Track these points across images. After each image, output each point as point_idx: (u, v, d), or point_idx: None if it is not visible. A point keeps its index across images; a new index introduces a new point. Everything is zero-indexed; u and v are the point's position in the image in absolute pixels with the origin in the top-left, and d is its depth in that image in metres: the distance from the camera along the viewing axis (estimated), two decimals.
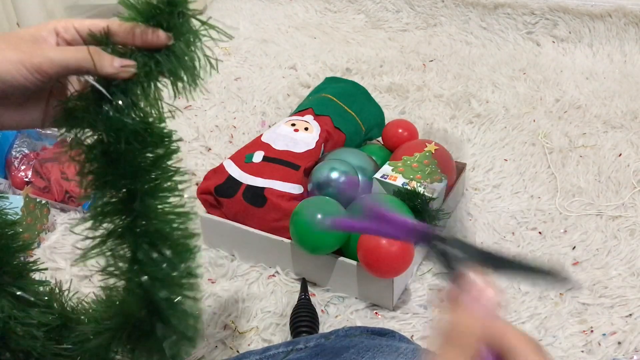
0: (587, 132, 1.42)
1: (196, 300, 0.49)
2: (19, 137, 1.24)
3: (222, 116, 1.53)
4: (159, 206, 0.47)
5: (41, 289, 0.55)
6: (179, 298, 0.48)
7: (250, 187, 1.03)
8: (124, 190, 0.46)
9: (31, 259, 0.56)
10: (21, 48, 0.42)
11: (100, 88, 0.43)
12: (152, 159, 0.46)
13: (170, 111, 0.47)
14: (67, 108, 0.44)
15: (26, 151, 1.23)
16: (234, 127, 1.49)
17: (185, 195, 0.48)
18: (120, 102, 0.44)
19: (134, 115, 0.44)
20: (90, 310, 0.56)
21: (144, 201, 0.46)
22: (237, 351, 0.89)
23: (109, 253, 0.48)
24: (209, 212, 1.08)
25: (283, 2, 2.20)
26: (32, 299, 0.53)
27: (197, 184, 1.26)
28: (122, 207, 0.47)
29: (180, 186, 0.48)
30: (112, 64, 0.43)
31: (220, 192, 1.05)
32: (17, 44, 0.42)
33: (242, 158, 1.09)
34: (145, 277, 0.46)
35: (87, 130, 0.45)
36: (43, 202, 1.14)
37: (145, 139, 0.45)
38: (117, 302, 0.50)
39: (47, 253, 1.08)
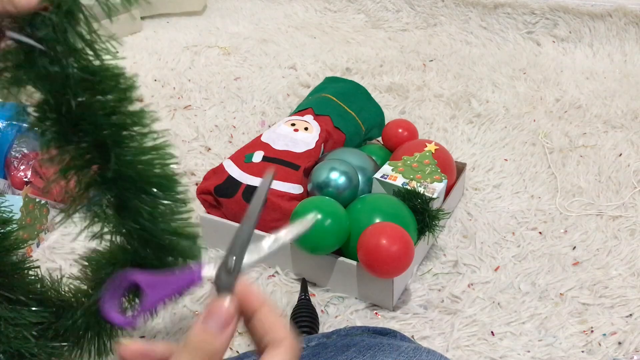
0: (587, 132, 1.41)
1: (192, 224, 0.48)
2: (18, 137, 1.24)
3: (222, 116, 1.53)
4: (132, 150, 0.44)
5: (38, 286, 0.55)
6: (178, 225, 0.47)
7: (250, 187, 1.03)
8: (88, 142, 0.42)
9: (20, 258, 0.55)
10: None
11: (23, 38, 0.37)
12: (111, 106, 0.42)
13: (111, 42, 0.40)
14: None
15: (26, 151, 1.23)
16: (234, 127, 1.49)
17: (158, 134, 0.44)
18: (55, 49, 0.37)
19: (74, 62, 0.38)
20: (81, 278, 0.55)
21: (114, 149, 0.43)
22: (237, 351, 0.89)
23: (93, 205, 0.45)
24: (208, 212, 1.08)
25: (283, 1, 2.20)
26: (24, 298, 0.52)
27: (196, 184, 1.26)
28: (91, 157, 0.43)
29: (149, 123, 0.44)
30: None
31: (220, 192, 1.05)
32: None
33: (241, 158, 1.08)
34: (141, 218, 0.44)
35: (28, 89, 0.40)
36: (42, 202, 1.13)
37: (94, 86, 0.40)
38: (108, 253, 0.49)
39: (46, 253, 1.08)
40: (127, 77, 0.42)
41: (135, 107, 0.44)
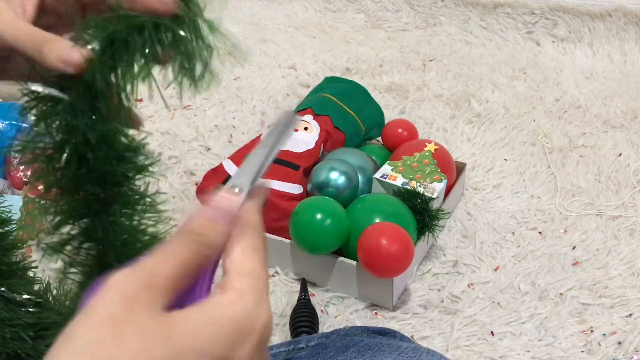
0: (587, 132, 1.41)
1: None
2: (18, 137, 1.24)
3: (222, 116, 1.52)
4: (126, 223, 0.40)
5: (35, 287, 0.55)
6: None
7: None
8: (85, 195, 0.39)
9: (19, 258, 0.55)
10: None
11: (42, 88, 0.35)
12: (120, 172, 0.39)
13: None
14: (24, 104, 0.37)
15: None
16: (234, 127, 1.49)
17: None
18: (77, 104, 0.35)
19: (94, 118, 0.36)
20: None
21: (109, 215, 0.40)
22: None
23: (75, 250, 0.42)
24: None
25: (282, 1, 2.20)
26: (20, 298, 0.52)
27: (196, 184, 1.26)
28: (84, 212, 0.40)
29: (155, 213, 0.40)
30: (59, 56, 0.34)
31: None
32: None
33: (241, 158, 1.08)
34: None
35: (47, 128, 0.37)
36: (42, 202, 1.13)
37: (111, 147, 0.38)
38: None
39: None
40: (144, 154, 0.40)
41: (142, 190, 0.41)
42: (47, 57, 0.34)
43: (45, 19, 0.38)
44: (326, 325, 0.93)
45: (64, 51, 0.34)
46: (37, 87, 0.35)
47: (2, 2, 0.36)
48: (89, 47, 0.34)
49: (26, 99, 0.37)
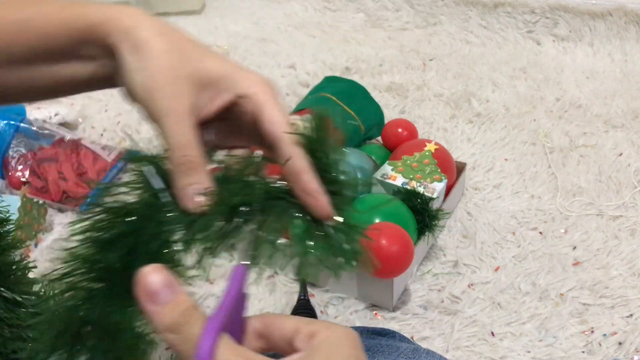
0: (587, 132, 1.41)
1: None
2: (16, 137, 1.23)
3: None
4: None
5: (33, 288, 0.55)
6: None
7: None
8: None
9: (17, 258, 0.55)
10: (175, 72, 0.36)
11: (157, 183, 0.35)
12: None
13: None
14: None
15: (23, 151, 1.22)
16: None
17: None
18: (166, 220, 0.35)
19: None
20: None
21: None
22: None
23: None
24: None
25: (282, 0, 2.19)
26: (19, 298, 0.52)
27: None
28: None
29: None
30: (187, 187, 0.35)
31: None
32: (182, 59, 0.36)
33: None
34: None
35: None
36: (40, 202, 1.13)
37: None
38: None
39: (44, 254, 1.08)
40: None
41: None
42: (178, 178, 0.36)
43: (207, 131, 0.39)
44: None
45: (194, 189, 0.36)
46: (149, 173, 0.35)
47: (186, 95, 0.36)
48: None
49: (133, 168, 0.37)
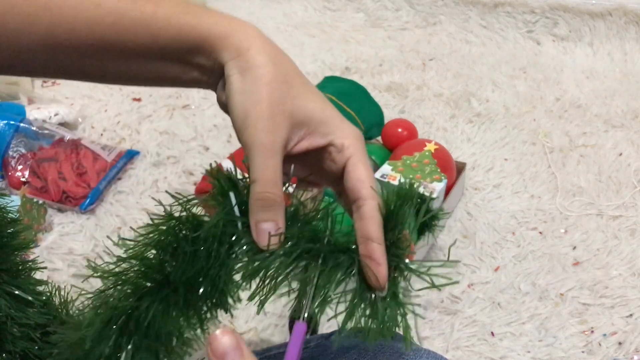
0: (587, 132, 1.41)
1: None
2: (16, 137, 1.23)
3: (221, 116, 1.52)
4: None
5: (40, 288, 0.55)
6: None
7: None
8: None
9: (29, 259, 0.55)
10: (279, 105, 0.37)
11: (235, 214, 0.36)
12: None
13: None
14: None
15: (23, 151, 1.22)
16: None
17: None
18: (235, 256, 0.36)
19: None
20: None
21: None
22: None
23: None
24: (207, 212, 1.07)
25: (282, 0, 2.19)
26: (30, 298, 0.52)
27: (195, 184, 1.25)
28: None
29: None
30: (258, 222, 0.37)
31: None
32: (284, 98, 0.37)
33: (240, 158, 1.08)
34: None
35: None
36: (40, 202, 1.13)
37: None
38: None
39: (44, 254, 1.08)
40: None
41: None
42: (256, 212, 0.37)
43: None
44: (326, 325, 0.93)
45: (269, 226, 0.37)
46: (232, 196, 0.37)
47: (283, 129, 0.37)
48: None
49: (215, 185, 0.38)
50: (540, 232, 1.11)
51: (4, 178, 1.22)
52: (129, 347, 0.36)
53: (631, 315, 0.94)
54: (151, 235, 0.37)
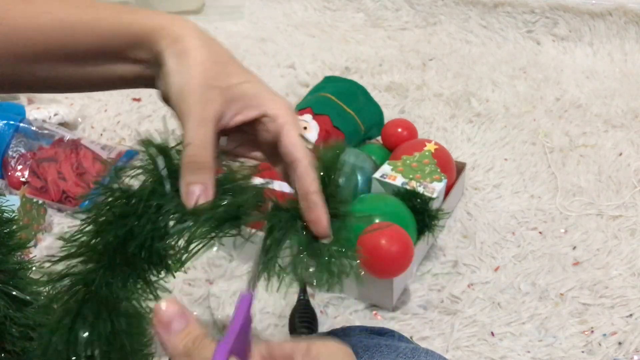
0: (587, 132, 1.41)
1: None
2: (15, 137, 1.23)
3: None
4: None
5: (39, 288, 0.55)
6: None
7: None
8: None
9: (27, 258, 0.55)
10: (206, 96, 0.39)
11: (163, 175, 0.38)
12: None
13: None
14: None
15: (23, 151, 1.22)
16: None
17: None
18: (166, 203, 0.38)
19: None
20: None
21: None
22: None
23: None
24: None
25: (282, 0, 2.19)
26: (28, 298, 0.52)
27: None
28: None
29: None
30: (187, 185, 0.38)
31: None
32: (211, 87, 0.40)
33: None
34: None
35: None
36: (40, 202, 1.13)
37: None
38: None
39: (44, 253, 1.07)
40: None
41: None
42: (186, 174, 0.38)
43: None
44: (325, 325, 0.93)
45: (198, 188, 0.38)
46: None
47: (215, 101, 0.40)
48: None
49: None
50: (540, 232, 1.11)
51: (3, 178, 1.22)
52: (85, 334, 0.37)
53: (631, 315, 0.94)
54: (90, 215, 0.39)
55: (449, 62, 1.76)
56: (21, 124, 1.25)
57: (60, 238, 0.40)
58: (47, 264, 0.39)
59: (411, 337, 0.90)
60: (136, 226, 0.38)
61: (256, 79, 0.44)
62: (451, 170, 1.11)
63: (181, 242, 0.38)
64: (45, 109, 1.35)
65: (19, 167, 1.21)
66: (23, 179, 1.20)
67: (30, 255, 1.04)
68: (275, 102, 0.43)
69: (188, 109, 0.39)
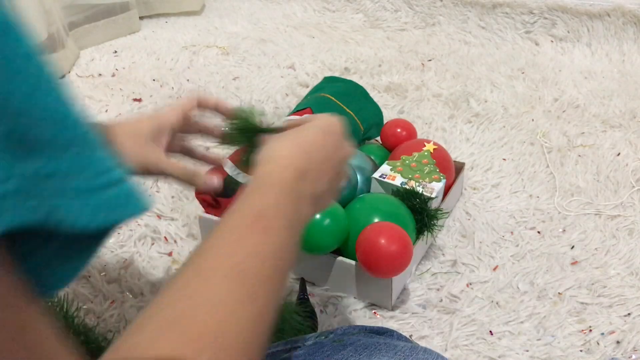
0: (585, 132, 1.42)
1: None
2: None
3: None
4: None
5: None
6: None
7: None
8: None
9: None
10: (139, 145, 0.61)
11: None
12: None
13: None
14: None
15: None
16: None
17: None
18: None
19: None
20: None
21: None
22: None
23: None
24: (207, 212, 1.07)
25: (281, 1, 2.20)
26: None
27: None
28: None
29: None
30: (205, 183, 0.68)
31: (219, 192, 1.04)
32: (138, 138, 0.61)
33: (240, 158, 1.08)
34: None
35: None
36: None
37: None
38: None
39: None
40: None
41: None
42: (197, 184, 0.67)
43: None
44: (325, 325, 0.93)
45: (207, 180, 0.69)
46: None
47: (155, 147, 0.65)
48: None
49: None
50: (539, 232, 1.12)
51: None
52: None
53: (629, 314, 0.94)
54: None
55: (447, 62, 1.77)
56: None
57: None
58: None
59: (410, 336, 0.91)
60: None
61: (148, 116, 0.70)
62: (450, 170, 1.12)
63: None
64: None
65: None
66: None
67: None
68: (162, 117, 0.72)
69: (154, 162, 0.66)
